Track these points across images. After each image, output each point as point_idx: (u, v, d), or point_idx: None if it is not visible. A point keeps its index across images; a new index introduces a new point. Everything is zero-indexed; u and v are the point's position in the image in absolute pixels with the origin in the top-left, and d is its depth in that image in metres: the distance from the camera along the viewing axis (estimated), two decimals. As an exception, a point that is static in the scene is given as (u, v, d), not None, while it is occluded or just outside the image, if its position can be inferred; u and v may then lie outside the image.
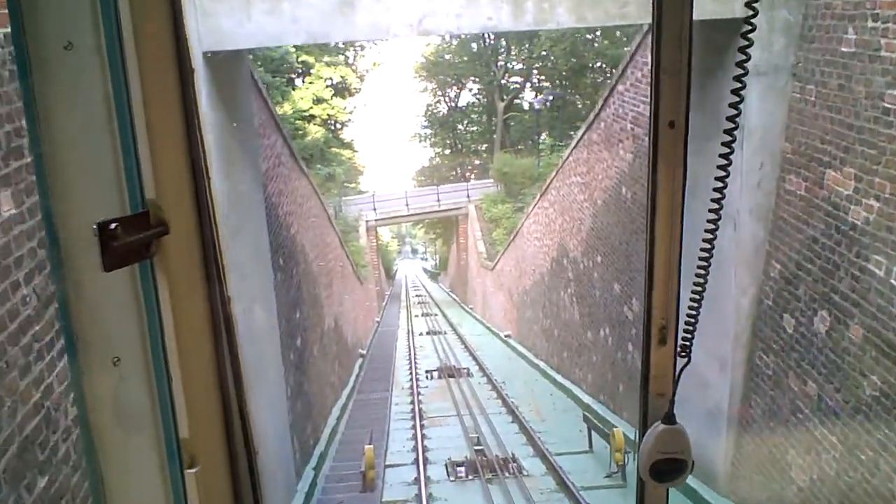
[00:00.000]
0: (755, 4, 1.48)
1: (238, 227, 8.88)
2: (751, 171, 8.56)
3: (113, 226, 1.02)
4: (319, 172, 41.02)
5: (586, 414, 13.45)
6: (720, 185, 1.60)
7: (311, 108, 45.44)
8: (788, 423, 8.28)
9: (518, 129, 49.65)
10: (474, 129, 56.29)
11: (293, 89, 45.54)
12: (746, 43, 1.59)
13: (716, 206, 1.59)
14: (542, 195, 20.51)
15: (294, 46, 44.22)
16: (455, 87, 56.03)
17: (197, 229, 1.16)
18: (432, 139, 57.14)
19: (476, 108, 56.14)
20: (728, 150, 1.57)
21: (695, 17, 1.36)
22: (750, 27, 1.57)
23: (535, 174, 37.57)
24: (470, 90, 56.29)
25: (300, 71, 46.23)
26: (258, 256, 10.17)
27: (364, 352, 24.27)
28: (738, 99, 1.61)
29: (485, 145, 54.46)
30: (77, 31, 1.03)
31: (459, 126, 56.03)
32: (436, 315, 36.09)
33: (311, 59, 45.56)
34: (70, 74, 1.04)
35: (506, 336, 25.50)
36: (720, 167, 1.60)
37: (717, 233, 1.61)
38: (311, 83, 45.53)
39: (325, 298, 17.00)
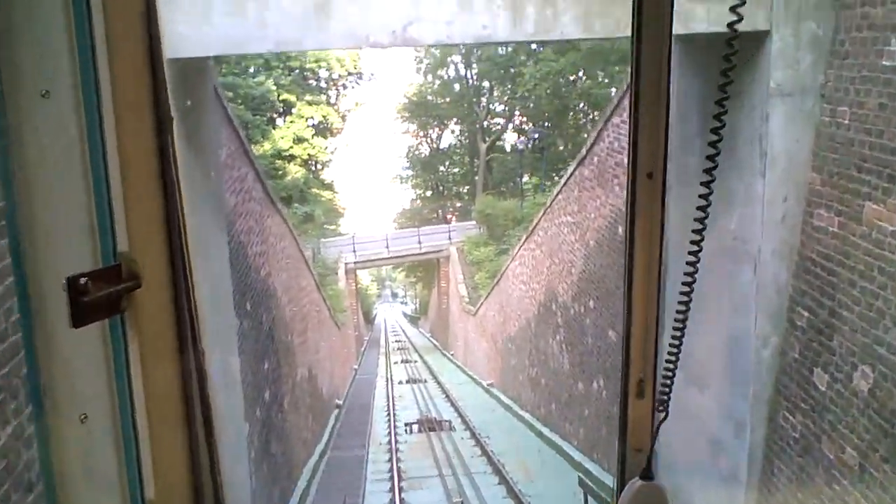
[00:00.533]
0: (737, 23, 1.47)
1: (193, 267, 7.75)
2: (773, 205, 7.53)
3: (83, 280, 0.99)
4: (297, 212, 40.01)
5: (581, 477, 12.22)
6: (699, 226, 1.60)
7: (292, 147, 44.52)
8: (822, 495, 7.18)
9: (501, 171, 48.93)
10: (456, 170, 55.54)
11: (273, 128, 44.67)
12: (729, 65, 1.55)
13: (692, 257, 1.59)
14: (529, 236, 19.51)
15: (276, 84, 43.57)
16: (437, 129, 55.50)
17: (170, 283, 1.11)
18: (413, 181, 56.32)
19: (458, 150, 55.48)
20: (709, 181, 1.55)
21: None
22: (731, 49, 1.54)
23: (518, 216, 36.69)
24: (452, 132, 55.77)
25: (281, 110, 45.43)
26: (218, 301, 8.99)
27: (340, 402, 22.94)
28: (719, 124, 1.59)
29: (466, 187, 53.70)
30: (55, 79, 1.00)
31: (441, 168, 55.32)
32: (416, 362, 34.80)
33: (292, 98, 44.76)
34: (46, 122, 1.01)
35: (488, 385, 24.29)
36: (699, 207, 1.59)
37: (695, 275, 1.62)
38: (292, 122, 44.69)
39: (298, 346, 15.80)
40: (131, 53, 1.05)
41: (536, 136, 42.48)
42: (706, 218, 1.54)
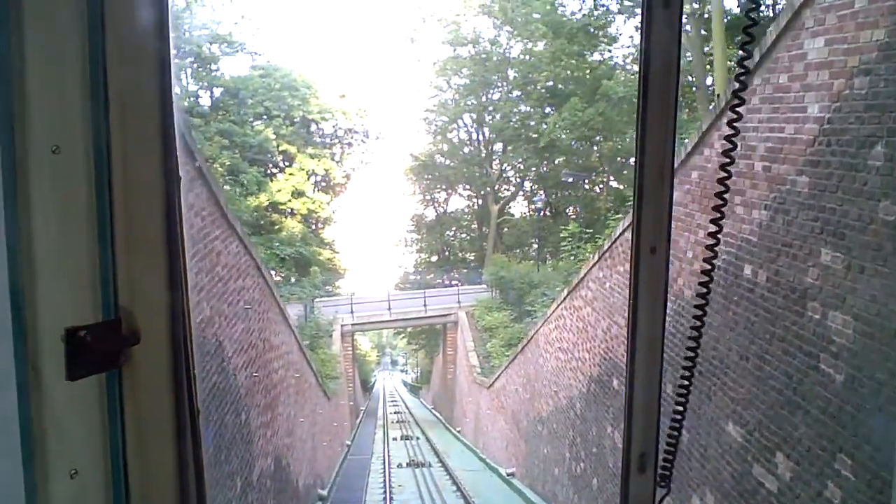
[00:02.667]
0: None
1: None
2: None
3: (82, 333, 0.97)
4: (289, 267, 35.02)
5: None
6: (703, 290, 1.67)
7: (290, 201, 39.81)
8: None
9: (513, 235, 44.19)
10: (464, 236, 50.88)
11: (271, 180, 40.07)
12: (748, 39, 1.54)
13: (697, 321, 1.65)
14: (573, 291, 14.51)
15: (275, 134, 39.15)
16: (445, 192, 51.02)
17: (169, 341, 1.06)
18: (419, 245, 51.60)
19: (466, 216, 50.91)
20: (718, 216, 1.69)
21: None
22: (751, 22, 1.55)
23: (534, 280, 31.81)
24: (460, 195, 51.32)
25: (280, 162, 40.90)
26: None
27: (325, 492, 17.54)
28: (735, 116, 1.65)
29: (473, 254, 48.89)
30: (66, 134, 0.98)
31: (448, 232, 50.62)
32: (417, 438, 29.29)
33: (292, 149, 40.24)
34: (55, 177, 0.99)
35: (508, 475, 18.89)
36: (706, 259, 1.74)
37: (697, 351, 1.63)
38: (291, 174, 40.08)
39: (259, 428, 10.66)
40: (143, 112, 1.02)
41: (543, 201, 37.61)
42: (717, 244, 1.68)
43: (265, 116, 38.21)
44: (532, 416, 17.47)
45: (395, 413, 39.93)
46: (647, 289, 1.45)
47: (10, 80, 0.97)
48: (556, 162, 41.91)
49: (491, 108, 45.99)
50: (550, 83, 40.94)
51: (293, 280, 35.27)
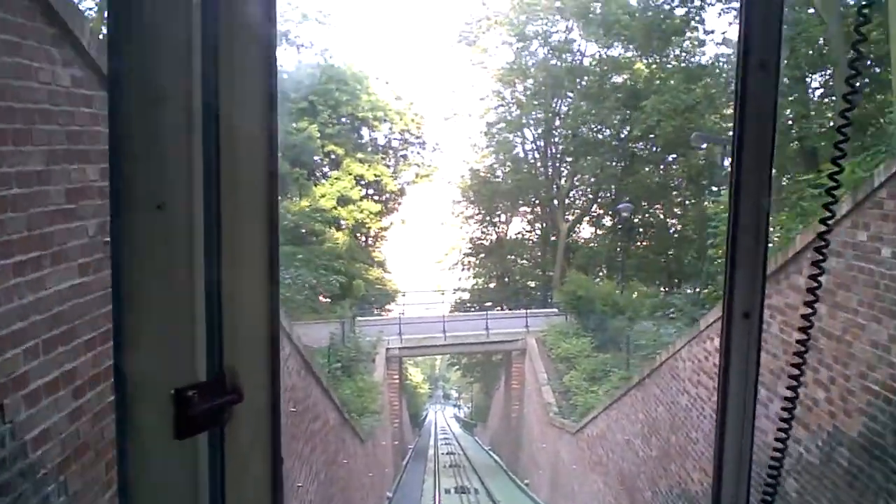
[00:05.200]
0: None
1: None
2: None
3: (191, 392, 0.95)
4: (332, 283, 29.13)
5: None
6: (803, 337, 1.61)
7: (335, 209, 34.16)
8: None
9: (584, 255, 37.74)
10: (525, 262, 44.50)
11: (315, 185, 34.55)
12: (859, 38, 1.47)
13: (791, 392, 1.56)
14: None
15: (319, 132, 33.77)
16: (506, 214, 44.80)
17: (269, 396, 1.05)
18: (476, 269, 45.29)
19: (528, 240, 44.58)
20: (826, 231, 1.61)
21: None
22: (863, 19, 1.50)
23: (618, 303, 25.39)
24: (523, 215, 45.05)
25: (326, 165, 35.37)
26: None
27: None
28: (844, 122, 1.51)
29: (535, 281, 42.48)
30: (171, 192, 0.95)
31: (509, 257, 44.27)
32: (476, 492, 22.83)
33: (339, 151, 34.69)
34: (159, 235, 0.96)
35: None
36: (805, 316, 1.58)
37: (795, 404, 1.54)
38: (337, 178, 34.46)
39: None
40: (249, 168, 1.00)
41: (626, 214, 31.01)
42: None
43: (309, 112, 32.71)
44: (664, 484, 11.03)
45: (447, 455, 33.41)
46: (739, 357, 1.37)
47: (117, 139, 0.94)
48: (640, 172, 35.67)
49: (561, 117, 40.01)
50: (634, 84, 34.78)
51: (334, 296, 29.47)
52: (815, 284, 1.55)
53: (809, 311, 1.51)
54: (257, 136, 1.00)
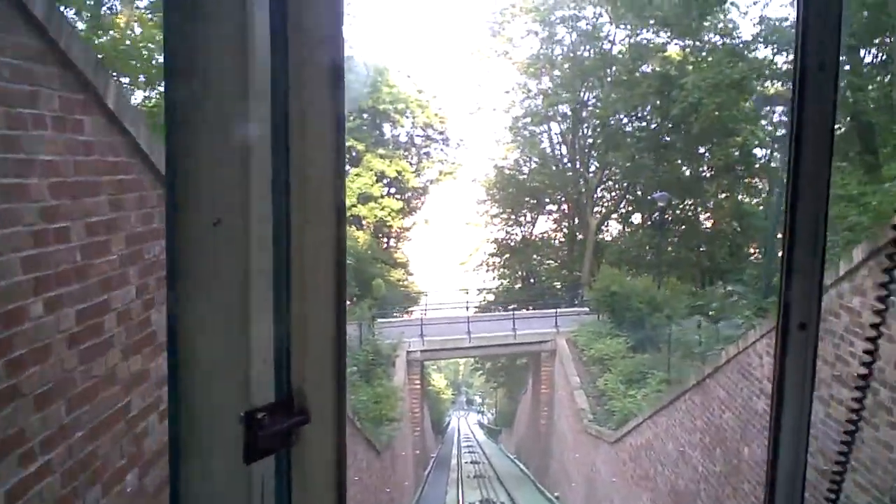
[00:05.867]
0: None
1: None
2: None
3: (260, 415, 0.92)
4: (351, 285, 27.34)
5: None
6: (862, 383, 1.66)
7: (355, 206, 32.45)
8: None
9: (615, 252, 35.68)
10: (551, 262, 42.46)
11: (333, 181, 32.90)
12: None
13: (856, 404, 1.59)
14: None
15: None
16: (531, 212, 42.77)
17: (335, 417, 1.01)
18: (501, 270, 43.26)
19: (554, 240, 42.55)
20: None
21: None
22: None
23: (656, 299, 23.37)
24: (549, 213, 42.99)
25: (347, 160, 33.79)
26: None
27: None
28: None
29: (560, 283, 40.38)
30: (228, 208, 0.92)
31: (535, 256, 42.27)
32: (504, 505, 20.92)
33: (359, 147, 32.97)
34: (215, 252, 0.92)
35: None
36: (874, 325, 1.60)
37: (860, 419, 1.57)
38: (357, 174, 32.74)
39: None
40: (319, 177, 0.95)
41: (663, 203, 28.89)
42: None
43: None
44: (730, 508, 9.07)
45: (471, 464, 31.43)
46: (796, 369, 1.34)
47: (175, 155, 0.92)
48: (672, 163, 33.62)
49: (589, 108, 38.01)
50: (667, 70, 32.71)
51: (354, 296, 27.72)
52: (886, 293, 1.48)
53: (878, 320, 1.48)
54: (325, 157, 0.95)
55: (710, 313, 19.70)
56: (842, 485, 1.52)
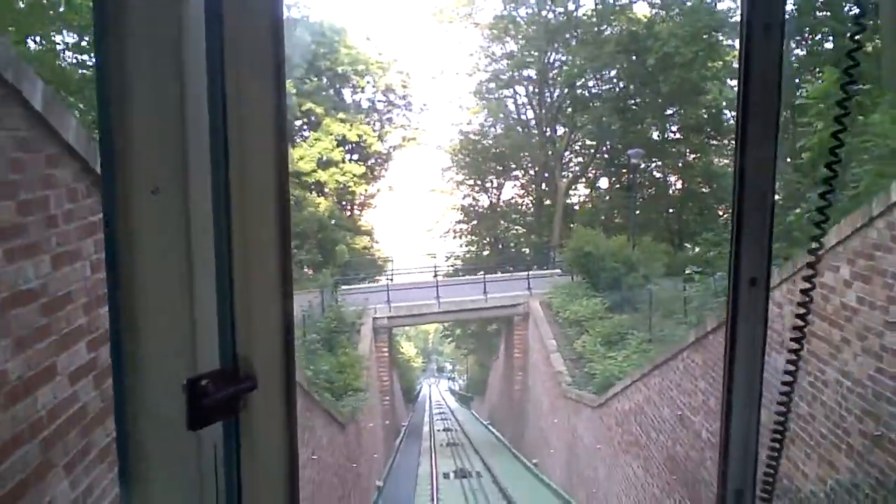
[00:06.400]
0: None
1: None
2: None
3: (204, 382, 0.90)
4: (312, 252, 25.72)
5: None
6: (805, 298, 1.57)
7: (315, 171, 30.68)
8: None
9: (586, 214, 34.40)
10: (518, 228, 41.22)
11: (292, 146, 31.03)
12: (852, 63, 1.47)
13: (791, 366, 1.53)
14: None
15: (295, 88, 30.25)
16: (498, 178, 41.31)
17: (284, 384, 0.97)
18: (469, 237, 41.88)
19: (522, 205, 41.26)
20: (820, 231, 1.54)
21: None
22: (856, 45, 1.45)
23: (631, 260, 22.18)
24: (516, 179, 41.60)
25: (304, 126, 31.76)
26: None
27: None
28: (837, 143, 1.48)
29: (529, 248, 39.13)
30: (168, 175, 0.88)
31: (503, 222, 40.96)
32: (479, 475, 19.69)
33: (318, 110, 31.12)
34: (154, 221, 0.88)
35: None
36: (804, 290, 1.56)
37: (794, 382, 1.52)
38: (317, 139, 30.92)
39: None
40: (259, 149, 0.91)
41: (636, 161, 27.58)
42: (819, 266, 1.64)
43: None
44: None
45: (444, 431, 30.32)
46: (747, 323, 1.33)
47: (110, 119, 0.87)
48: (644, 123, 32.41)
49: (556, 70, 36.52)
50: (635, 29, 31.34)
51: (316, 263, 26.11)
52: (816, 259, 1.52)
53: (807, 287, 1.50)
54: (266, 114, 0.90)
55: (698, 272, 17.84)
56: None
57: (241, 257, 0.91)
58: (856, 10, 1.50)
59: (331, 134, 30.78)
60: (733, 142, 1.39)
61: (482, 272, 27.49)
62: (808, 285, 1.53)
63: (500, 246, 40.92)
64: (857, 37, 1.44)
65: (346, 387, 15.80)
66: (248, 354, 0.94)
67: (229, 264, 0.91)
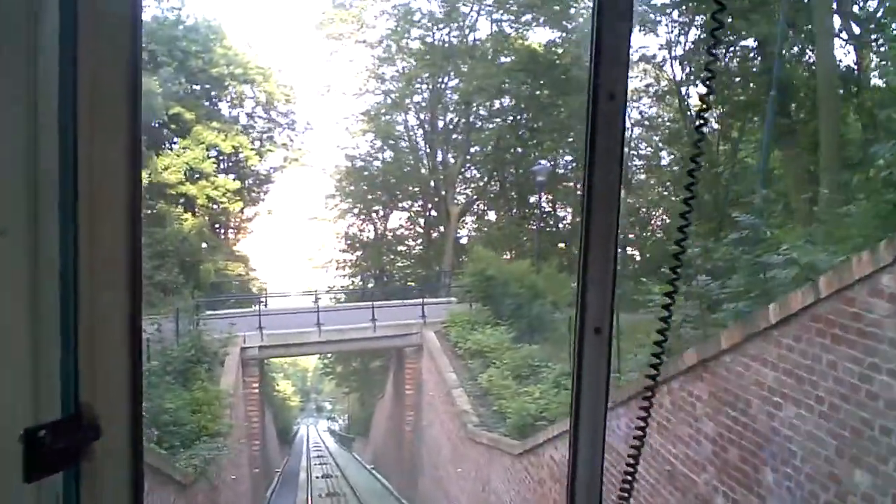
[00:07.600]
0: None
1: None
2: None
3: (41, 433, 0.84)
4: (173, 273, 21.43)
5: None
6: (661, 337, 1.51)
7: (183, 184, 26.36)
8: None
9: (482, 239, 31.58)
10: (405, 260, 38.15)
11: (156, 154, 26.57)
12: (717, 25, 1.41)
13: (656, 359, 1.51)
14: None
15: (161, 87, 26.02)
16: (384, 207, 38.14)
17: (130, 431, 0.92)
18: (353, 268, 38.28)
19: (410, 236, 38.29)
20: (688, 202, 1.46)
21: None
22: (719, 6, 1.40)
23: (538, 286, 19.36)
24: (403, 208, 38.57)
25: (170, 132, 27.41)
26: None
27: None
28: (703, 106, 1.47)
29: (417, 282, 36.00)
30: (12, 217, 0.82)
31: (388, 255, 37.73)
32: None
33: (188, 115, 26.90)
34: (2, 263, 0.83)
35: None
36: (667, 293, 1.56)
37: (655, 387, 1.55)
38: (185, 148, 26.65)
39: None
40: (109, 187, 0.86)
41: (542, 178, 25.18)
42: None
43: (148, 64, 24.85)
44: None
45: (323, 478, 26.13)
46: (591, 370, 1.30)
47: None
48: (545, 146, 30.24)
49: (448, 97, 34.05)
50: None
51: (178, 285, 21.78)
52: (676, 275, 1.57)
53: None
54: (118, 157, 0.86)
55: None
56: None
57: (86, 304, 0.85)
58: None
59: (202, 143, 26.62)
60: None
61: (370, 301, 24.01)
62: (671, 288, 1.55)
63: (385, 278, 37.60)
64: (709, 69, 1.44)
65: (201, 430, 11.91)
66: (92, 403, 0.88)
67: (76, 310, 0.85)
